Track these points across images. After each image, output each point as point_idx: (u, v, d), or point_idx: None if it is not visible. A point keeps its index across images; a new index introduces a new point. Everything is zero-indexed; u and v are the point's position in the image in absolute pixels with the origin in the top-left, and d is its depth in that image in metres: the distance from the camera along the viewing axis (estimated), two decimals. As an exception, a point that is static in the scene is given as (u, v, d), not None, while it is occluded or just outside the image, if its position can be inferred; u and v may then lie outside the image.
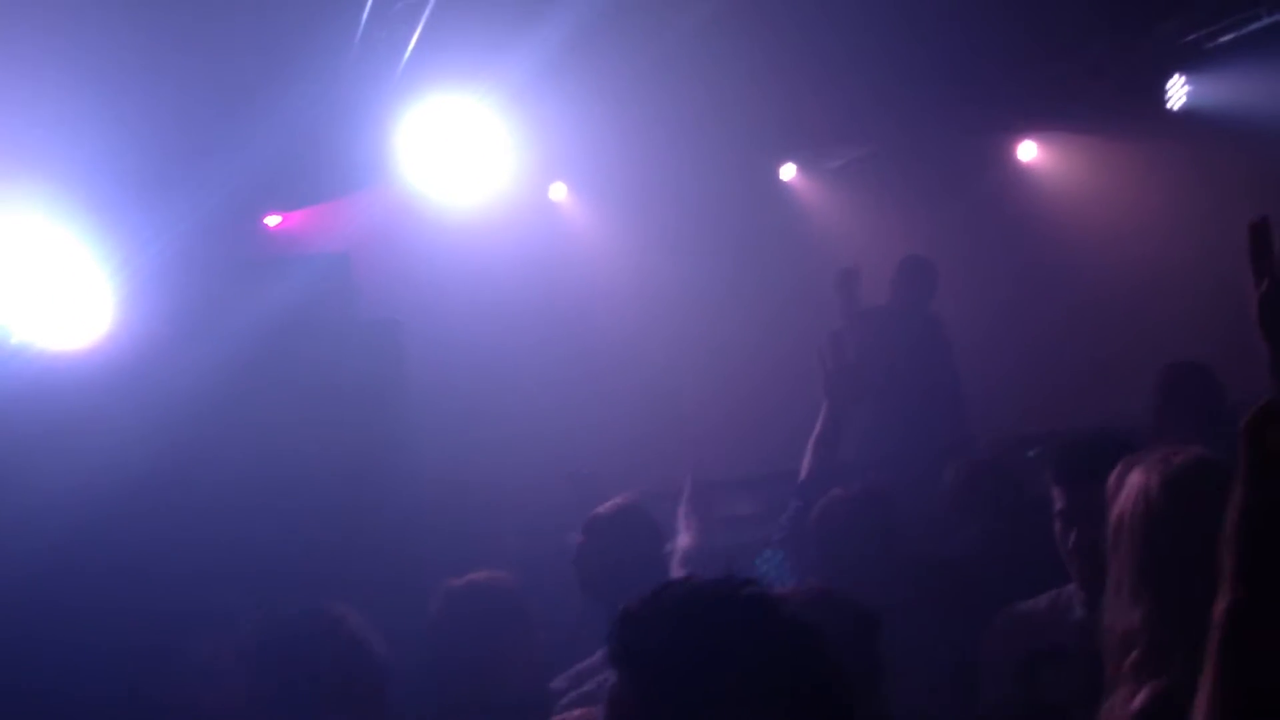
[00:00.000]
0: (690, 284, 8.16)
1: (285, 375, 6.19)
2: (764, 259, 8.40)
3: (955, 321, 7.03)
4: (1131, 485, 2.22)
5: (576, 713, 2.73)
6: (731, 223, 8.40)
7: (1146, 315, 7.93)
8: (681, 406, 7.83)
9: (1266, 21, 6.84)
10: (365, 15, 5.60)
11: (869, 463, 5.97)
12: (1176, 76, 7.76)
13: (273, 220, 7.75)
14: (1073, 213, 8.53)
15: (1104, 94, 7.91)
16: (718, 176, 8.26)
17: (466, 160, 6.85)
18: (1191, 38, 7.31)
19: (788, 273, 8.31)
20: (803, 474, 3.85)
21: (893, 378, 6.29)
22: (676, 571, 3.78)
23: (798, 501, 3.76)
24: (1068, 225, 8.51)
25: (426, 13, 5.54)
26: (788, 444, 4.22)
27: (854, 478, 3.78)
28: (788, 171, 8.85)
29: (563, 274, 8.25)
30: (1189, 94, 7.78)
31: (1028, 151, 8.81)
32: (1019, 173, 8.88)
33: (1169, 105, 7.83)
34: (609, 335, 8.14)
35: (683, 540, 3.94)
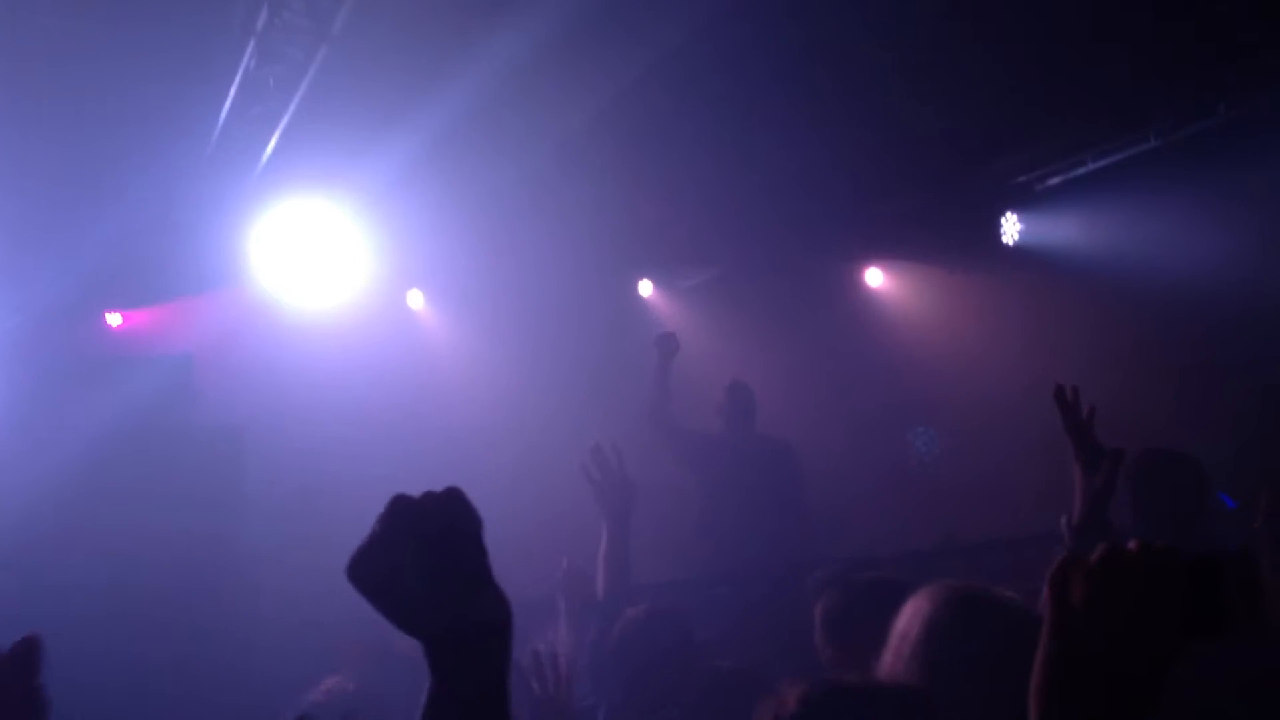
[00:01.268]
0: (545, 395, 8.13)
1: (120, 481, 5.94)
2: (620, 372, 8.45)
3: (802, 442, 7.16)
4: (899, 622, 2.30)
5: None
6: (588, 335, 8.45)
7: (987, 436, 8.22)
8: (534, 518, 7.73)
9: (1091, 167, 7.34)
10: (224, 114, 5.55)
11: (715, 580, 6.02)
12: (1010, 214, 8.21)
13: (114, 319, 7.47)
14: (916, 338, 8.86)
15: (944, 227, 8.32)
16: (575, 289, 8.32)
17: (322, 264, 6.78)
18: (1023, 179, 7.79)
19: (641, 382, 8.38)
20: (600, 595, 3.79)
21: (738, 500, 6.42)
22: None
23: (598, 623, 3.70)
24: (912, 349, 8.82)
25: (287, 116, 5.51)
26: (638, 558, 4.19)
27: (647, 597, 3.72)
28: (645, 288, 8.99)
29: (416, 381, 8.13)
30: (1021, 231, 8.23)
31: (875, 278, 9.14)
32: (866, 298, 9.21)
33: (1003, 240, 8.25)
34: (463, 444, 8.02)
35: (600, 588, 3.84)
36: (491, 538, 1.54)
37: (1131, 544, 1.39)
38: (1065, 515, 2.82)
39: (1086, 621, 1.36)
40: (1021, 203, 8.16)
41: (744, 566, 6.19)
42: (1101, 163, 7.25)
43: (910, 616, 2.29)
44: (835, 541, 7.28)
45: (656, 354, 6.59)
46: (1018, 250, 8.29)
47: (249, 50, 4.97)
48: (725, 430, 6.72)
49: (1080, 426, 2.87)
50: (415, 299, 8.42)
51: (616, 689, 3.45)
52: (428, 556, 1.37)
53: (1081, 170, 7.43)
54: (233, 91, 5.29)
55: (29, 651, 1.79)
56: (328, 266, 6.80)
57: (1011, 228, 8.25)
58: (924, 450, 6.38)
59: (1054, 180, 7.70)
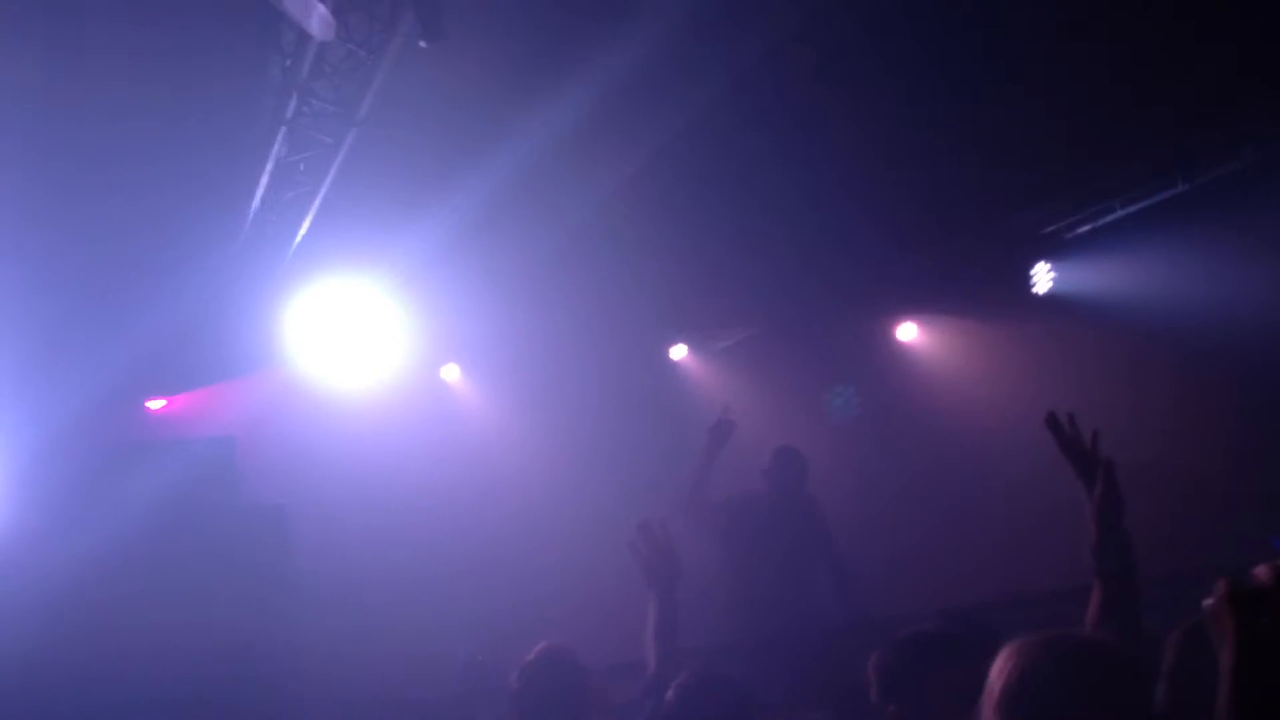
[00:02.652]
0: (584, 463, 8.14)
1: (165, 563, 6.00)
2: (657, 437, 8.45)
3: (838, 499, 7.12)
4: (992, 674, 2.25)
5: None
6: (624, 402, 8.47)
7: (1021, 487, 8.13)
8: (578, 585, 7.70)
9: (1120, 214, 7.31)
10: (257, 201, 5.67)
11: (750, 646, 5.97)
12: (1041, 263, 8.17)
13: (155, 404, 7.58)
14: (951, 390, 8.80)
15: (975, 279, 8.29)
16: (609, 357, 8.36)
17: (358, 343, 6.86)
18: (1052, 229, 7.76)
19: (680, 450, 8.36)
20: (651, 669, 3.82)
21: (777, 562, 6.37)
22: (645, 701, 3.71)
23: (650, 700, 3.70)
24: (945, 402, 8.76)
25: (318, 200, 5.62)
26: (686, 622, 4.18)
27: (698, 663, 3.72)
28: (678, 352, 9.01)
29: (455, 454, 8.17)
30: (1053, 279, 8.19)
31: (908, 332, 9.11)
32: (900, 352, 9.17)
33: (1034, 290, 8.21)
34: (504, 517, 8.04)
35: (650, 663, 3.85)
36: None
37: None
38: (1088, 547, 2.80)
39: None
40: (1052, 251, 8.13)
41: (784, 626, 6.14)
42: (1131, 209, 7.22)
43: (1003, 670, 2.25)
44: (883, 597, 7.20)
45: (708, 440, 6.39)
46: (1050, 299, 8.24)
47: (279, 138, 5.09)
48: (767, 492, 6.65)
49: (1072, 446, 2.88)
50: (451, 373, 8.48)
51: None
52: None
53: (1111, 217, 7.40)
54: (264, 179, 5.41)
55: None
56: (363, 344, 6.89)
57: (1043, 277, 8.21)
58: (841, 410, 6.33)
59: (1084, 228, 7.67)
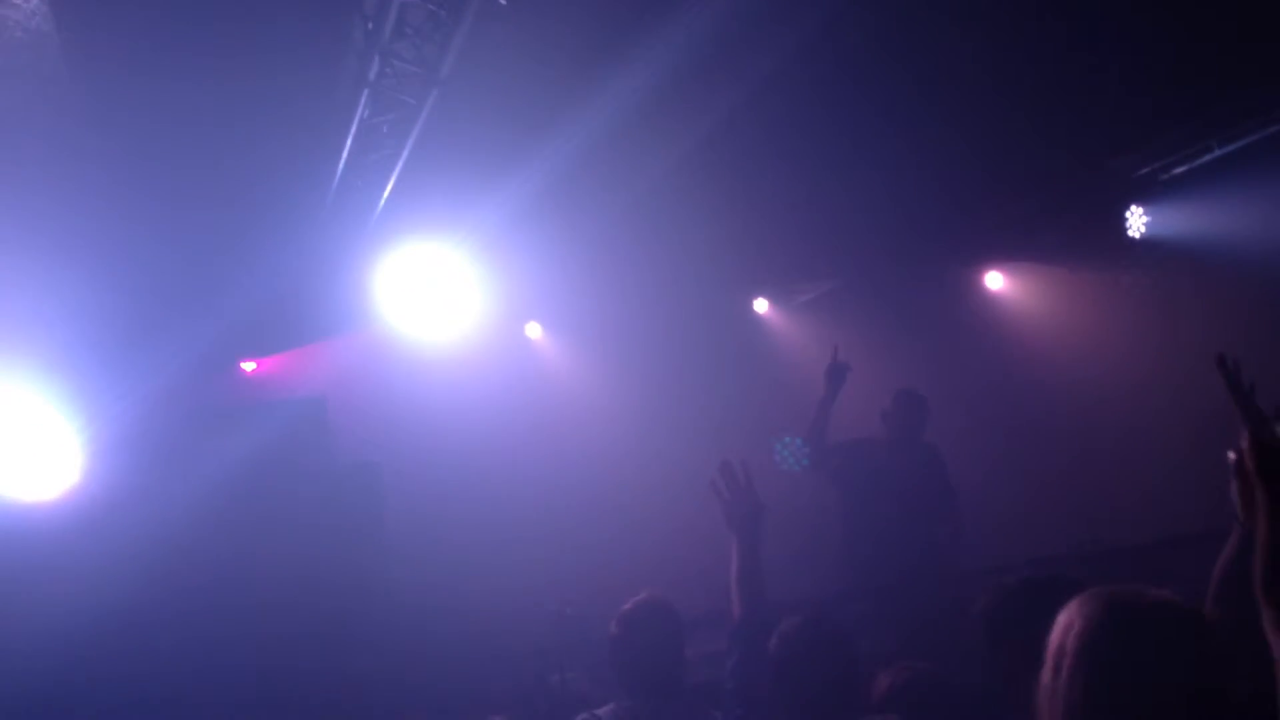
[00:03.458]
0: (667, 418, 8.18)
1: (263, 521, 6.16)
2: (741, 391, 8.45)
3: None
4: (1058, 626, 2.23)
5: None
6: (706, 357, 8.47)
7: (1114, 436, 7.99)
8: (664, 538, 7.75)
9: (1217, 153, 7.08)
10: (341, 165, 5.73)
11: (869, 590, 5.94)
12: (1135, 207, 7.97)
13: (249, 366, 7.77)
14: (1041, 340, 8.66)
15: (1066, 226, 8.12)
16: (691, 313, 8.36)
17: (443, 303, 6.94)
18: (1146, 170, 7.55)
19: (764, 403, 8.35)
20: (735, 618, 3.71)
21: (897, 506, 6.29)
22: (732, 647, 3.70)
23: (738, 650, 3.66)
24: (1035, 351, 8.61)
25: (401, 163, 5.67)
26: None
27: (786, 613, 3.68)
28: (760, 305, 8.97)
29: (542, 412, 8.26)
30: (1147, 224, 7.98)
31: (995, 281, 8.97)
32: (987, 302, 9.03)
33: (1129, 234, 8.01)
34: (590, 471, 8.11)
35: (735, 611, 3.84)
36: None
37: None
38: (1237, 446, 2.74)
39: None
40: (1146, 194, 7.92)
41: (902, 571, 6.08)
42: (1229, 148, 6.99)
43: (1065, 628, 2.23)
44: (985, 547, 7.13)
45: (826, 382, 6.30)
46: (1144, 244, 8.04)
47: (363, 100, 5.13)
48: (886, 436, 6.55)
49: (1243, 392, 2.80)
50: (534, 330, 8.56)
51: (778, 708, 3.42)
52: None
53: (1208, 157, 7.17)
54: (349, 141, 5.46)
55: None
56: (448, 303, 6.95)
57: (1137, 221, 8.01)
58: (789, 460, 6.22)
59: (1179, 169, 7.45)
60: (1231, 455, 1.47)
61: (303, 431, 6.88)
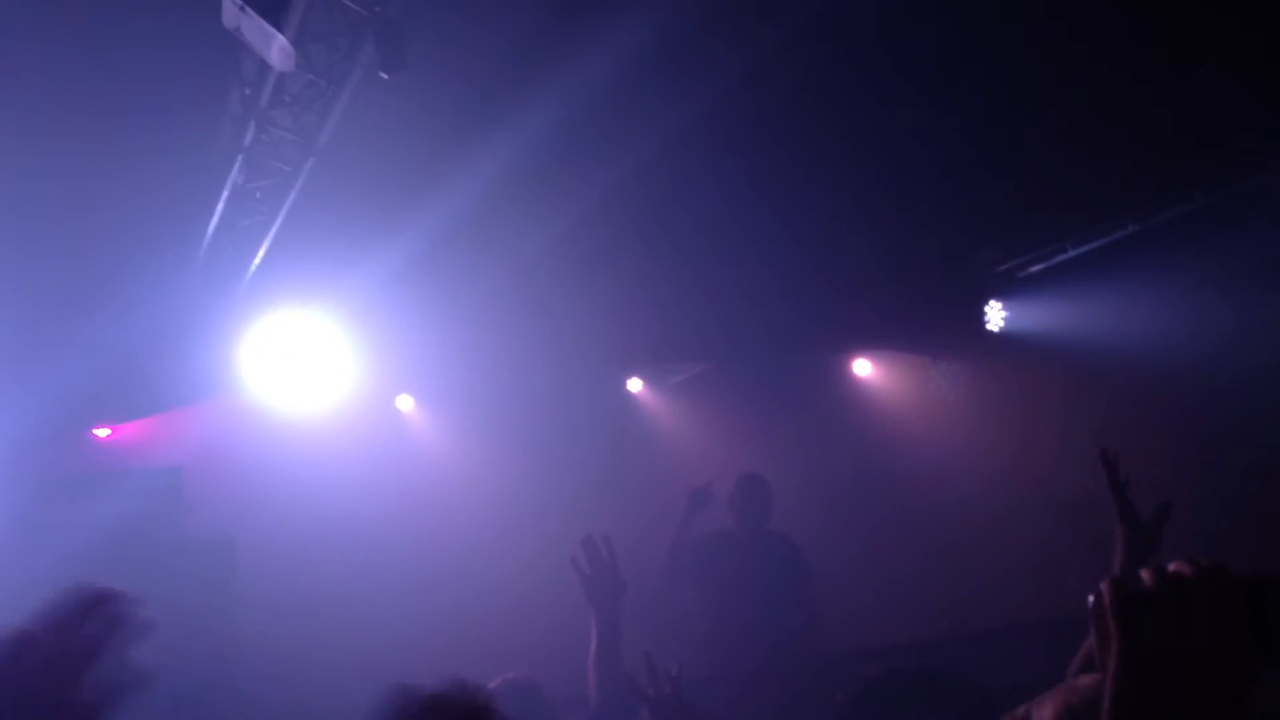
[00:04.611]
0: (538, 496, 8.10)
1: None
2: (612, 471, 8.44)
3: (794, 532, 7.14)
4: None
5: None
6: (579, 436, 8.45)
7: (976, 522, 8.20)
8: (534, 618, 7.63)
9: (1071, 254, 7.43)
10: (212, 227, 5.61)
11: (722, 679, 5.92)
12: (994, 301, 8.29)
13: (102, 432, 7.45)
14: (903, 425, 8.88)
15: (930, 317, 8.39)
16: (563, 388, 8.34)
17: (312, 373, 6.80)
18: (1005, 267, 7.88)
19: (635, 482, 8.36)
20: (593, 698, 3.69)
21: (753, 598, 6.32)
22: None
23: None
24: (899, 437, 8.83)
25: (275, 228, 5.57)
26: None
27: (644, 690, 3.64)
28: (634, 385, 9.02)
29: (410, 487, 8.09)
30: (1005, 318, 8.31)
31: (862, 368, 9.19)
32: (855, 388, 9.24)
33: (988, 327, 8.32)
34: (459, 550, 7.96)
35: (592, 691, 3.72)
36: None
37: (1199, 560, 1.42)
38: (1097, 590, 2.78)
39: (1163, 643, 1.37)
40: (1005, 290, 8.25)
41: (759, 665, 6.09)
42: (1082, 249, 7.35)
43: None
44: (839, 633, 7.20)
45: (686, 505, 6.35)
46: (1003, 337, 8.36)
47: (237, 165, 5.05)
48: (735, 525, 6.58)
49: (1120, 486, 2.88)
50: (405, 403, 8.43)
51: None
52: None
53: (1062, 257, 7.52)
54: (221, 206, 5.35)
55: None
56: (317, 374, 6.82)
57: (996, 315, 8.33)
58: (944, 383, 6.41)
59: (1036, 268, 7.79)
60: (1091, 598, 1.47)
61: (157, 503, 6.63)
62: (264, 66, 4.46)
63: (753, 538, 6.49)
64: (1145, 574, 1.41)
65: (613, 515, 7.26)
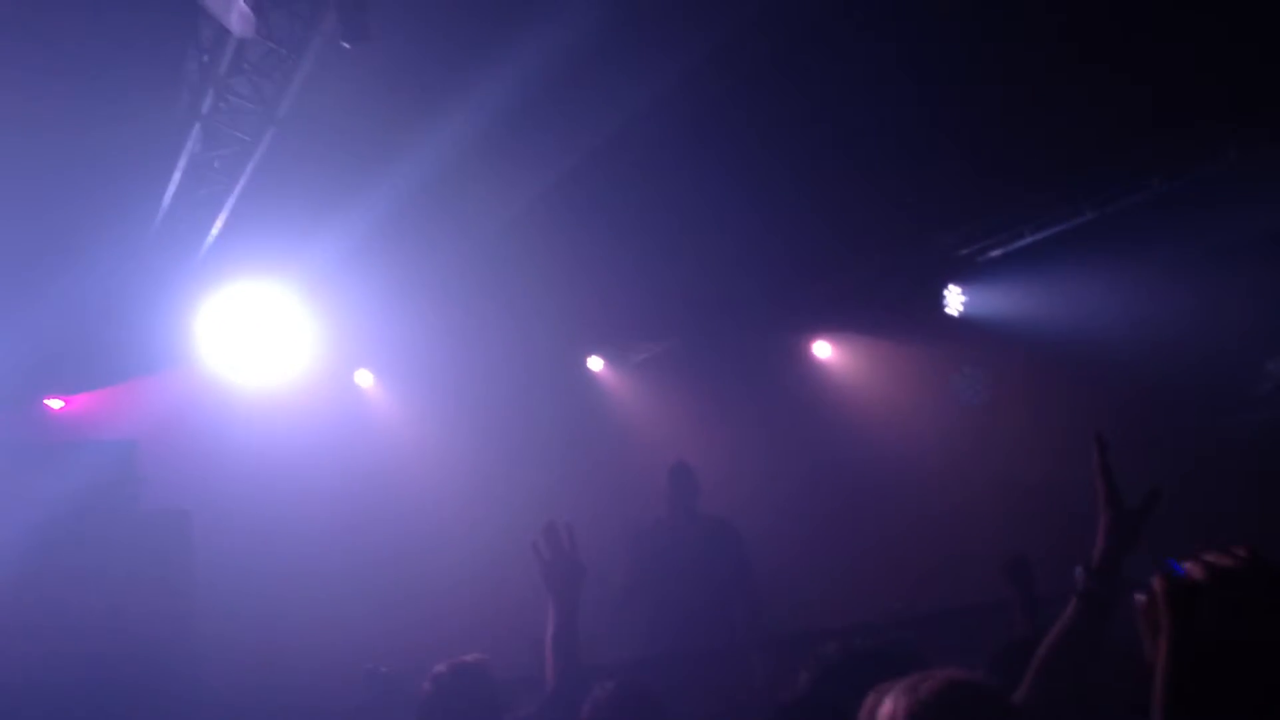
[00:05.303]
0: (497, 474, 8.09)
1: (67, 568, 5.84)
2: (572, 449, 8.43)
3: (749, 512, 7.18)
4: (881, 716, 2.25)
5: None
6: (538, 412, 8.44)
7: (931, 505, 8.28)
8: (488, 596, 7.62)
9: (1030, 240, 7.50)
10: (169, 196, 5.53)
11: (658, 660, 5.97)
12: (953, 286, 8.36)
13: (56, 404, 7.35)
14: (862, 407, 8.93)
15: (889, 300, 8.44)
16: (524, 366, 8.32)
17: (269, 345, 6.74)
18: (965, 252, 7.93)
19: (594, 463, 8.37)
20: (550, 683, 3.69)
21: (681, 579, 6.42)
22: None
23: (548, 710, 3.61)
24: (858, 419, 8.88)
25: (233, 199, 5.51)
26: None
27: (602, 678, 3.65)
28: (594, 364, 9.01)
29: (368, 462, 8.05)
30: (964, 302, 8.37)
31: (822, 349, 9.23)
32: (814, 369, 9.28)
33: (947, 310, 8.39)
34: (415, 526, 7.94)
35: (549, 675, 3.73)
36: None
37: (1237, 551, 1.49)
38: (1080, 565, 2.81)
39: (1217, 631, 1.46)
40: (964, 274, 8.31)
41: (701, 645, 6.16)
42: (1040, 235, 7.41)
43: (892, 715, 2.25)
44: (789, 613, 7.27)
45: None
46: (961, 320, 8.42)
47: (194, 134, 4.98)
48: (667, 514, 6.72)
49: (1109, 471, 2.88)
50: (364, 378, 8.37)
51: None
52: None
53: (1022, 242, 7.58)
54: (178, 175, 5.28)
55: None
56: (275, 347, 6.76)
57: (955, 299, 8.39)
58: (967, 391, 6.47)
59: (995, 252, 7.85)
60: (1139, 598, 1.56)
61: (111, 475, 6.57)
62: (223, 33, 4.39)
63: (685, 523, 6.61)
64: (1192, 566, 1.50)
65: (571, 494, 7.30)
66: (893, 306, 8.52)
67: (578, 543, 3.76)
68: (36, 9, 4.38)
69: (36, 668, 5.48)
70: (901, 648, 3.00)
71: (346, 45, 4.16)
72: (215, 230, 5.82)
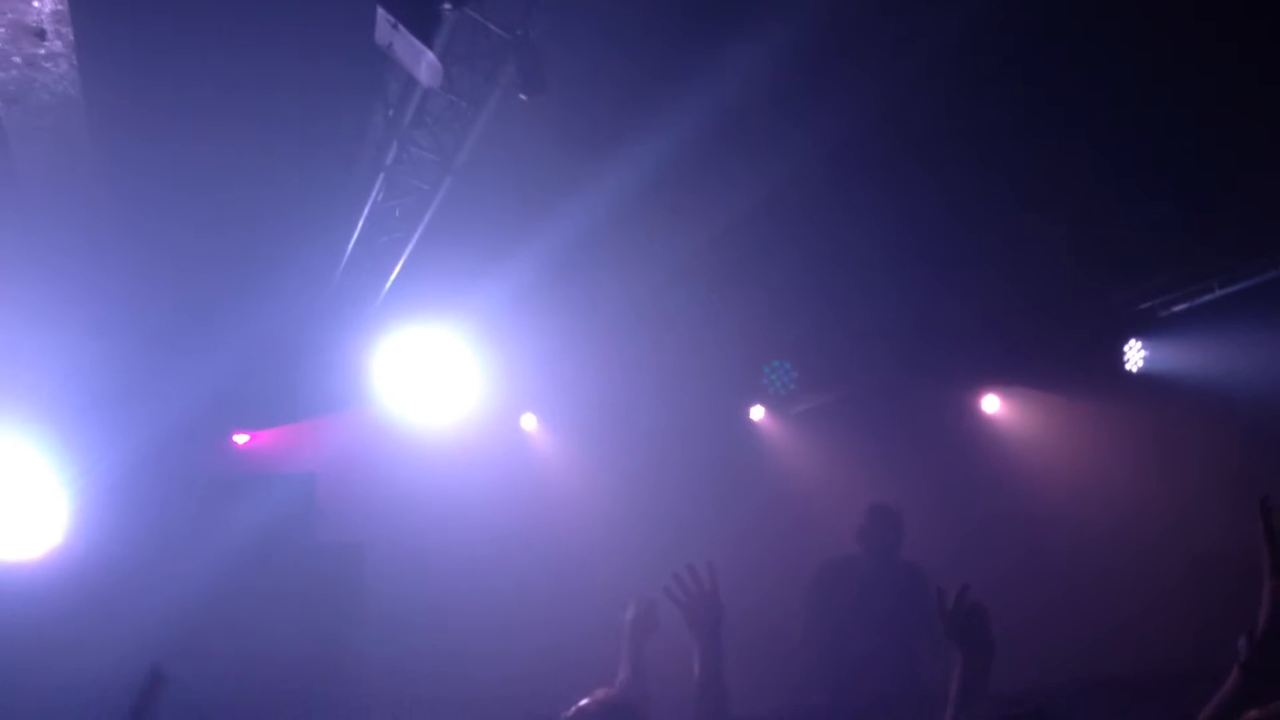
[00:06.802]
0: (658, 518, 8.11)
1: (243, 597, 6.10)
2: (729, 497, 8.40)
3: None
4: None
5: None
6: (699, 461, 8.44)
7: (1104, 566, 7.92)
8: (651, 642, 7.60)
9: (1218, 294, 7.14)
10: (352, 243, 5.78)
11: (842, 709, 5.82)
12: (1133, 341, 8.02)
13: (242, 438, 7.74)
14: (1033, 465, 8.64)
15: (1065, 354, 8.16)
16: (686, 414, 8.35)
17: (441, 389, 6.95)
18: (1147, 305, 7.61)
19: (752, 510, 8.32)
20: None
21: (871, 624, 6.18)
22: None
23: None
24: (1028, 477, 8.59)
25: (410, 247, 5.72)
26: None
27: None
28: (756, 413, 8.98)
29: (530, 505, 8.21)
30: (1145, 358, 8.02)
31: (991, 404, 8.98)
32: (982, 424, 9.03)
33: (1127, 367, 8.05)
34: (573, 567, 8.03)
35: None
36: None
37: None
38: (1244, 634, 2.66)
39: None
40: (1146, 329, 7.97)
41: (883, 692, 5.96)
42: (1229, 290, 7.06)
43: None
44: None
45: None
46: (1142, 377, 8.07)
47: (378, 183, 5.21)
48: (863, 553, 6.45)
49: (1276, 536, 2.73)
50: (529, 421, 8.55)
51: None
52: None
53: (1209, 296, 7.23)
54: (361, 223, 5.52)
55: None
56: (446, 389, 6.97)
57: (1135, 355, 8.06)
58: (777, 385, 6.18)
59: (1180, 306, 7.51)
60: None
61: (291, 507, 6.85)
62: (408, 88, 4.60)
63: (880, 568, 6.35)
64: None
65: (729, 541, 7.26)
66: (1068, 361, 8.23)
67: (718, 583, 3.73)
68: (239, 62, 4.66)
69: (211, 698, 5.72)
70: (1054, 715, 2.88)
71: (524, 98, 4.31)
72: (394, 274, 6.05)
